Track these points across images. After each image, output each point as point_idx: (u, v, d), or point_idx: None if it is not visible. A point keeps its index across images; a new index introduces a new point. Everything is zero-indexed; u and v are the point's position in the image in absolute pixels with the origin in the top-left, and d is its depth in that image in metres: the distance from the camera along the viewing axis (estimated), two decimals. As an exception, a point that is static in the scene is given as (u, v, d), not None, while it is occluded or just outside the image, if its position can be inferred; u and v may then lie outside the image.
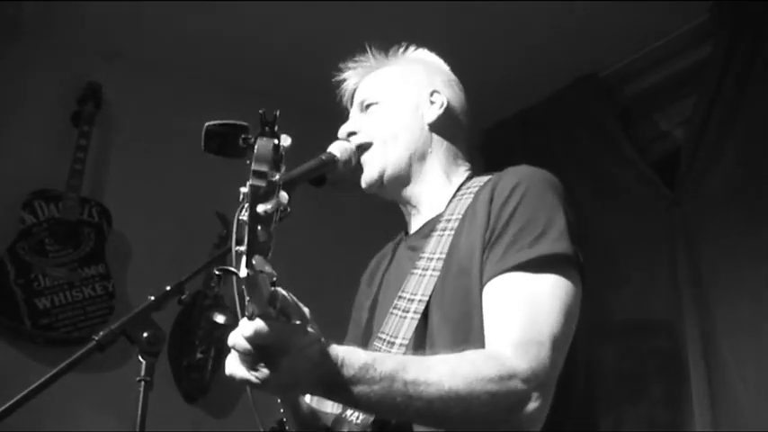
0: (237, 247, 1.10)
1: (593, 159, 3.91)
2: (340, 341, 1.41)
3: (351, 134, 1.89)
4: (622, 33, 3.76)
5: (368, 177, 1.87)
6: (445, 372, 1.37)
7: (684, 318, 3.33)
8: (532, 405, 1.42)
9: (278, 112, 1.11)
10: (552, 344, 1.47)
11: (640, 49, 3.87)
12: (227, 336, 1.27)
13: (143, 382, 1.67)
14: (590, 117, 4.00)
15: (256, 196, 1.06)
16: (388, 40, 2.04)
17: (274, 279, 1.16)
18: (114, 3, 3.57)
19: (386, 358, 1.37)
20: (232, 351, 1.29)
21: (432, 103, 1.91)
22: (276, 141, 1.09)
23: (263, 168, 1.06)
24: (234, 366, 1.30)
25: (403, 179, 1.87)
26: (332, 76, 2.06)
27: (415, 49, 2.03)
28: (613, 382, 3.46)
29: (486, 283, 1.57)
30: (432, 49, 2.06)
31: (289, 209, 1.13)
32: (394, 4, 3.53)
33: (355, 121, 1.92)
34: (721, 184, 3.35)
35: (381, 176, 1.86)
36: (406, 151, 1.86)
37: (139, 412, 1.65)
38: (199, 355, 3.65)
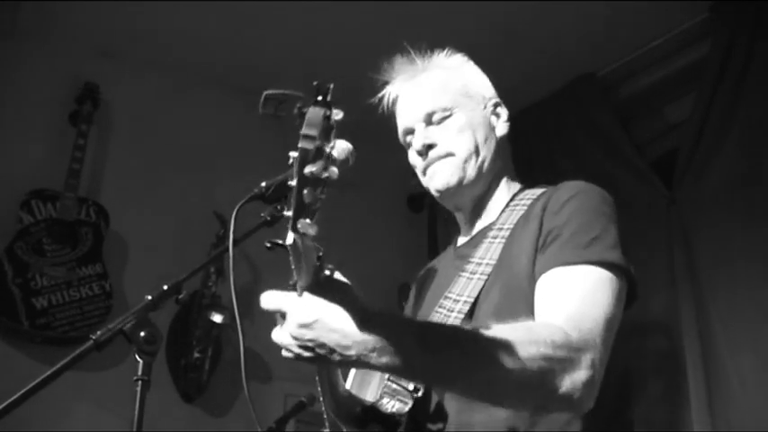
0: (286, 212, 1.10)
1: (592, 158, 3.91)
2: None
3: (429, 147, 1.87)
4: (620, 32, 3.76)
5: (445, 182, 1.85)
6: (502, 340, 1.35)
7: (682, 316, 3.33)
8: (584, 373, 1.40)
9: (332, 85, 1.11)
10: (603, 320, 1.48)
11: (638, 48, 3.87)
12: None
13: (140, 382, 1.67)
14: (588, 116, 4.00)
15: (305, 159, 1.06)
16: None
17: (321, 254, 1.16)
18: (112, 3, 3.57)
19: (442, 327, 1.37)
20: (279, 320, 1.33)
21: (498, 115, 1.94)
22: (327, 111, 1.09)
23: (313, 132, 1.06)
24: (278, 333, 1.34)
25: (477, 191, 1.88)
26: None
27: (452, 54, 2.00)
28: (611, 382, 3.45)
29: (539, 275, 1.58)
30: (428, 49, 2.05)
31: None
32: (392, 4, 3.54)
33: (428, 132, 1.89)
34: (719, 183, 3.35)
35: (459, 184, 1.85)
36: (485, 165, 1.86)
37: (137, 411, 1.64)
38: (196, 355, 3.65)
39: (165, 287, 1.80)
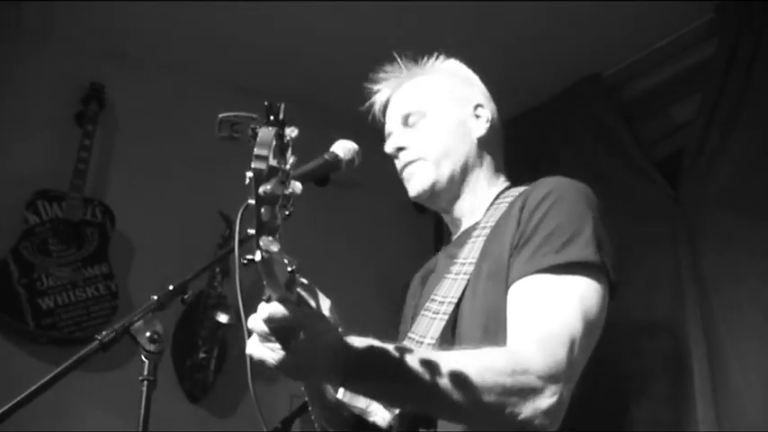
0: (249, 231, 1.14)
1: (597, 159, 3.91)
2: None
3: (400, 149, 1.89)
4: (626, 33, 3.76)
5: (419, 188, 1.88)
6: (458, 365, 1.37)
7: (687, 317, 3.33)
8: (547, 401, 1.41)
9: (283, 105, 1.14)
10: (570, 342, 1.47)
11: (644, 48, 3.87)
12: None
13: (146, 382, 1.67)
14: (593, 117, 4.00)
15: (258, 179, 1.08)
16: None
17: (293, 268, 1.21)
18: (117, 3, 3.57)
19: (403, 352, 1.37)
20: (254, 334, 1.33)
21: (477, 117, 1.93)
22: (278, 129, 1.12)
23: (264, 152, 1.08)
24: (252, 346, 1.33)
25: (453, 193, 1.89)
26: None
27: (445, 60, 2.02)
28: (617, 382, 3.45)
29: (510, 284, 1.58)
30: (433, 51, 2.06)
31: (292, 209, 1.15)
32: (394, 5, 3.53)
33: (402, 135, 1.91)
34: (724, 184, 3.35)
35: (432, 188, 1.87)
36: (458, 167, 1.87)
37: (142, 411, 1.65)
38: (202, 355, 3.65)
39: (171, 287, 1.81)
